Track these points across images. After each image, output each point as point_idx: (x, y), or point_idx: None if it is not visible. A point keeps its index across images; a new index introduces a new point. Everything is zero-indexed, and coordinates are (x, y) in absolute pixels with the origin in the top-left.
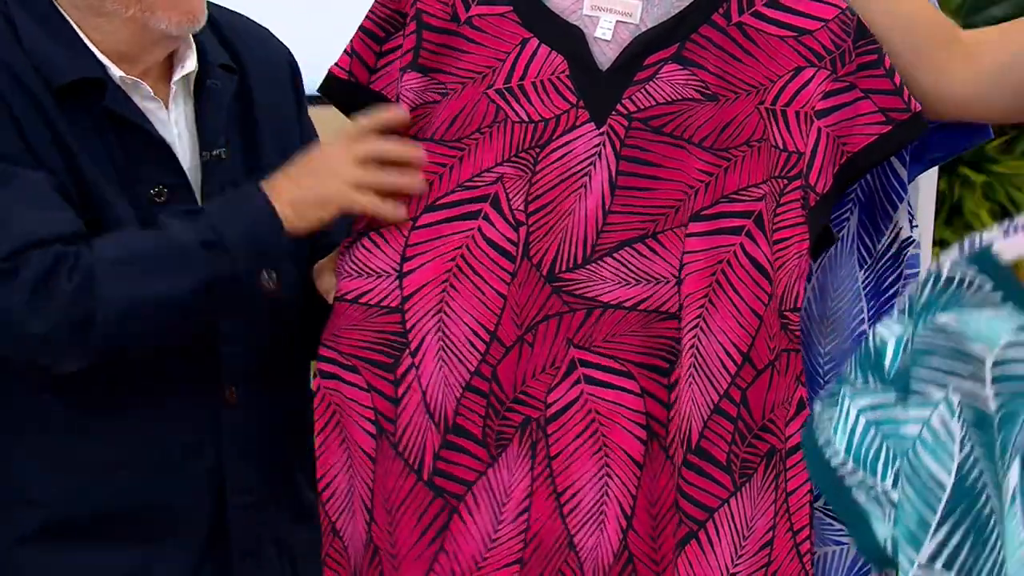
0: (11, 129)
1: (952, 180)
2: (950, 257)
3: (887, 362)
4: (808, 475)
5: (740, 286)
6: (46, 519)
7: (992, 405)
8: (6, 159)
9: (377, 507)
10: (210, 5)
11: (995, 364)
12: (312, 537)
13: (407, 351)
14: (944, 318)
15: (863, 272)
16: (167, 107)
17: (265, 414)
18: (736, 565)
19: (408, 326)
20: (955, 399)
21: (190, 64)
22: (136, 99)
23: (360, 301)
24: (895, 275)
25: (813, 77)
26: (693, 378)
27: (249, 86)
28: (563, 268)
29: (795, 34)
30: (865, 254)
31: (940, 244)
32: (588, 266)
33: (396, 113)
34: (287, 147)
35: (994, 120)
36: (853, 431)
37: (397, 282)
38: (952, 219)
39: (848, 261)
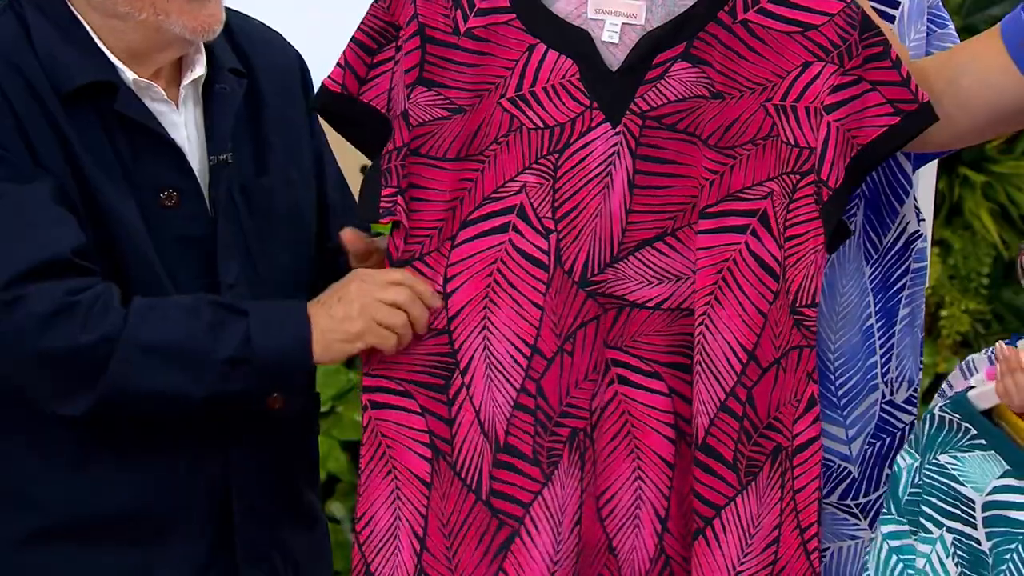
0: (13, 130)
1: (952, 180)
2: (943, 392)
3: (900, 491)
4: (815, 472)
5: (746, 285)
6: (48, 520)
7: (986, 546)
8: (4, 162)
9: (432, 534)
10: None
11: (985, 507)
12: (313, 540)
13: (457, 371)
14: (943, 459)
15: (869, 267)
16: (177, 109)
17: (272, 421)
18: (742, 563)
19: (456, 346)
20: (948, 539)
21: (200, 68)
22: (147, 101)
23: None
24: (902, 269)
25: (821, 72)
26: (700, 375)
27: (259, 90)
28: (595, 271)
29: (801, 29)
30: (871, 249)
31: (940, 244)
32: (616, 264)
33: (435, 297)
34: (296, 152)
35: (949, 146)
36: (879, 555)
37: (443, 302)
38: (952, 219)
39: (855, 256)
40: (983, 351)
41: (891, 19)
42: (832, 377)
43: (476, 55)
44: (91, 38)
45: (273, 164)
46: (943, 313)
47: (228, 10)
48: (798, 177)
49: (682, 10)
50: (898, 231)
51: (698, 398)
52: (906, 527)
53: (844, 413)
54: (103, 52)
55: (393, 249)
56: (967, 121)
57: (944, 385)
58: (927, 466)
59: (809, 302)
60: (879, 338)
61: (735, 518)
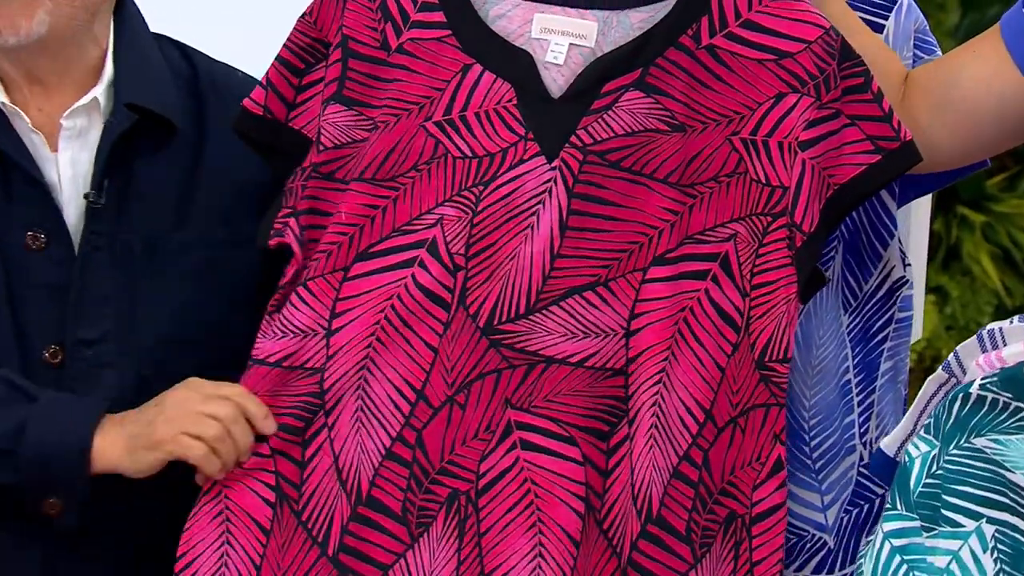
0: None
1: (949, 220)
2: (977, 371)
3: (912, 483)
4: (778, 543)
5: (704, 336)
6: None
7: None
8: None
9: None
10: (203, 56)
11: None
12: None
13: (321, 412)
14: (980, 442)
15: (848, 316)
16: (57, 143)
17: (108, 523)
18: None
19: (326, 386)
20: (988, 531)
21: (85, 99)
22: (23, 130)
23: (283, 364)
24: (884, 319)
25: (796, 104)
26: (654, 440)
27: (204, 147)
28: (503, 319)
29: (775, 57)
30: (850, 297)
31: (936, 291)
32: (531, 316)
33: (268, 421)
34: (236, 212)
35: (952, 164)
36: (878, 557)
37: (324, 341)
38: (949, 263)
39: (833, 305)
40: (1013, 319)
41: None
42: (806, 437)
43: (402, 71)
44: None
45: (195, 220)
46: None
47: (204, 58)
48: (769, 219)
49: (640, 32)
50: (880, 277)
51: (652, 466)
52: (916, 523)
53: (819, 477)
54: None
55: (283, 277)
56: (970, 132)
57: (951, 358)
58: (955, 451)
59: (780, 356)
60: (857, 395)
61: None
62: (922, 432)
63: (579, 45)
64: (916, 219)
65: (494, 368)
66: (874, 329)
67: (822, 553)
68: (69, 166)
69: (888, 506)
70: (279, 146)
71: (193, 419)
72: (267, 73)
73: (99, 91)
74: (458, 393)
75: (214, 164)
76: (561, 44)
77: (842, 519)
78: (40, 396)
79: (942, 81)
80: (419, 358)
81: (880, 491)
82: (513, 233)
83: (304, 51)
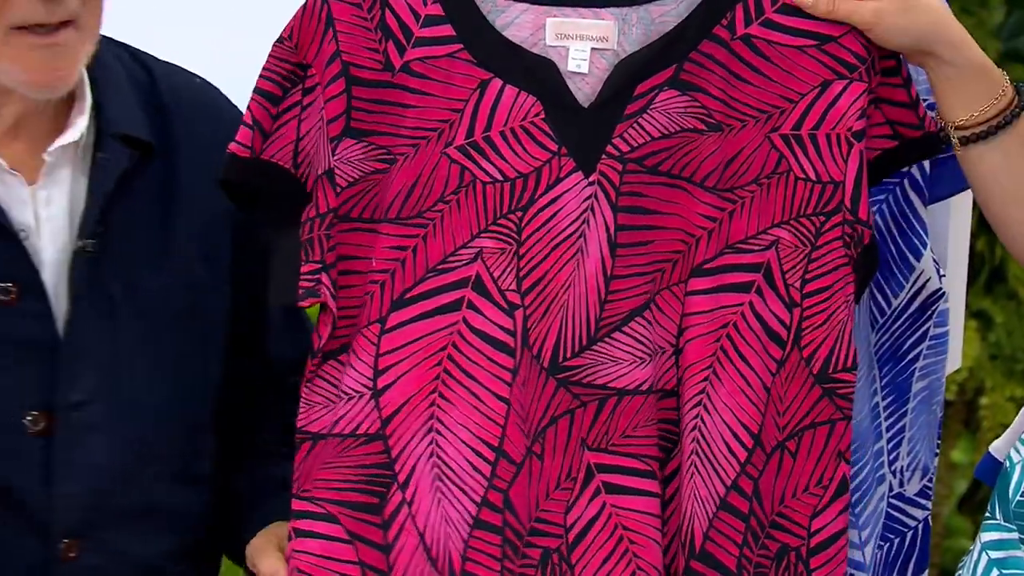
0: None
1: (992, 239)
2: None
3: (1010, 491)
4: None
5: (750, 354)
6: None
7: None
8: None
9: None
10: (157, 61)
11: None
12: None
13: (395, 485)
14: None
15: (876, 334)
16: (36, 182)
17: (121, 570)
18: None
19: (393, 454)
20: None
21: (73, 132)
22: None
23: (333, 432)
24: (917, 335)
25: (845, 91)
26: (696, 467)
27: (175, 169)
28: (567, 354)
29: (816, 42)
30: (877, 313)
31: (979, 317)
32: (595, 346)
33: None
34: (213, 248)
35: None
36: (975, 568)
37: (373, 402)
38: (993, 286)
39: (863, 323)
40: None
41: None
42: None
43: (413, 94)
44: None
45: (176, 260)
46: (984, 400)
47: (159, 62)
48: (822, 219)
49: (664, 28)
50: (912, 290)
51: (693, 496)
52: (1014, 535)
53: (856, 511)
54: None
55: (316, 339)
56: None
57: None
58: None
59: (846, 365)
60: (886, 419)
61: None
62: (1023, 435)
63: (601, 48)
64: (955, 235)
65: (566, 409)
66: (905, 347)
67: None
68: (45, 206)
69: (988, 514)
70: (254, 183)
71: None
72: (249, 110)
73: (84, 124)
74: (534, 443)
75: (191, 191)
76: (582, 50)
77: (875, 555)
78: None
79: None
80: (491, 412)
81: (912, 523)
82: (564, 261)
83: (284, 79)
